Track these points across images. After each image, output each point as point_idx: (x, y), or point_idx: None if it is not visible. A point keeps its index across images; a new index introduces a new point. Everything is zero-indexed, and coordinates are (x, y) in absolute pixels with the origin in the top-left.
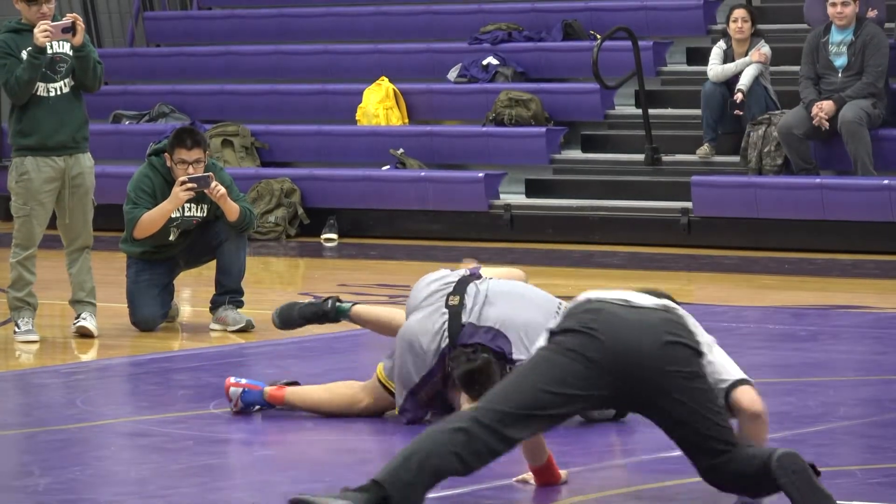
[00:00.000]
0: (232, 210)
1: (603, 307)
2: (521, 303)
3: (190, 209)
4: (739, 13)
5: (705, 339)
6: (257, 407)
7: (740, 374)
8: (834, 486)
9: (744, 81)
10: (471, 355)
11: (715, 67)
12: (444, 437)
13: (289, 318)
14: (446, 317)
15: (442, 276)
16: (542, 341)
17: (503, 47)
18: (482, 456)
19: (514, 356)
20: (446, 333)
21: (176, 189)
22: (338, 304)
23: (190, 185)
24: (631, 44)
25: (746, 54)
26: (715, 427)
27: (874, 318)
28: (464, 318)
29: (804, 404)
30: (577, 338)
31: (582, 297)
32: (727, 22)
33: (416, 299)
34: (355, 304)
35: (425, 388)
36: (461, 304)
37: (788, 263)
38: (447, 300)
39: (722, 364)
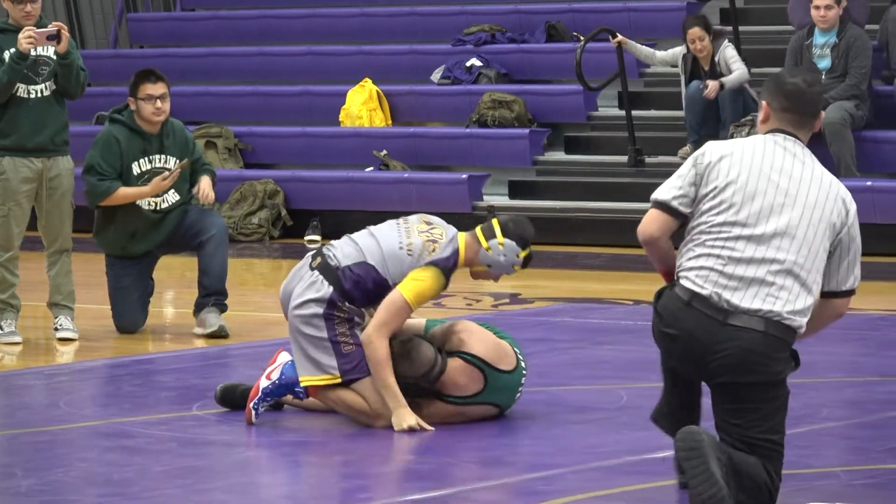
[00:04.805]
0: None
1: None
2: (372, 239)
3: (164, 198)
4: (694, 34)
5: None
6: (288, 396)
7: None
8: (817, 487)
9: (731, 77)
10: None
11: (657, 55)
12: None
13: None
14: (317, 273)
15: (299, 265)
16: None
17: (486, 49)
18: None
19: (390, 283)
20: (326, 283)
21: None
22: None
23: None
24: (614, 45)
25: (713, 64)
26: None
27: (858, 320)
28: (332, 264)
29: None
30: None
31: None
32: (685, 40)
33: (286, 292)
34: None
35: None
36: (324, 259)
37: None
38: (309, 265)
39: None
